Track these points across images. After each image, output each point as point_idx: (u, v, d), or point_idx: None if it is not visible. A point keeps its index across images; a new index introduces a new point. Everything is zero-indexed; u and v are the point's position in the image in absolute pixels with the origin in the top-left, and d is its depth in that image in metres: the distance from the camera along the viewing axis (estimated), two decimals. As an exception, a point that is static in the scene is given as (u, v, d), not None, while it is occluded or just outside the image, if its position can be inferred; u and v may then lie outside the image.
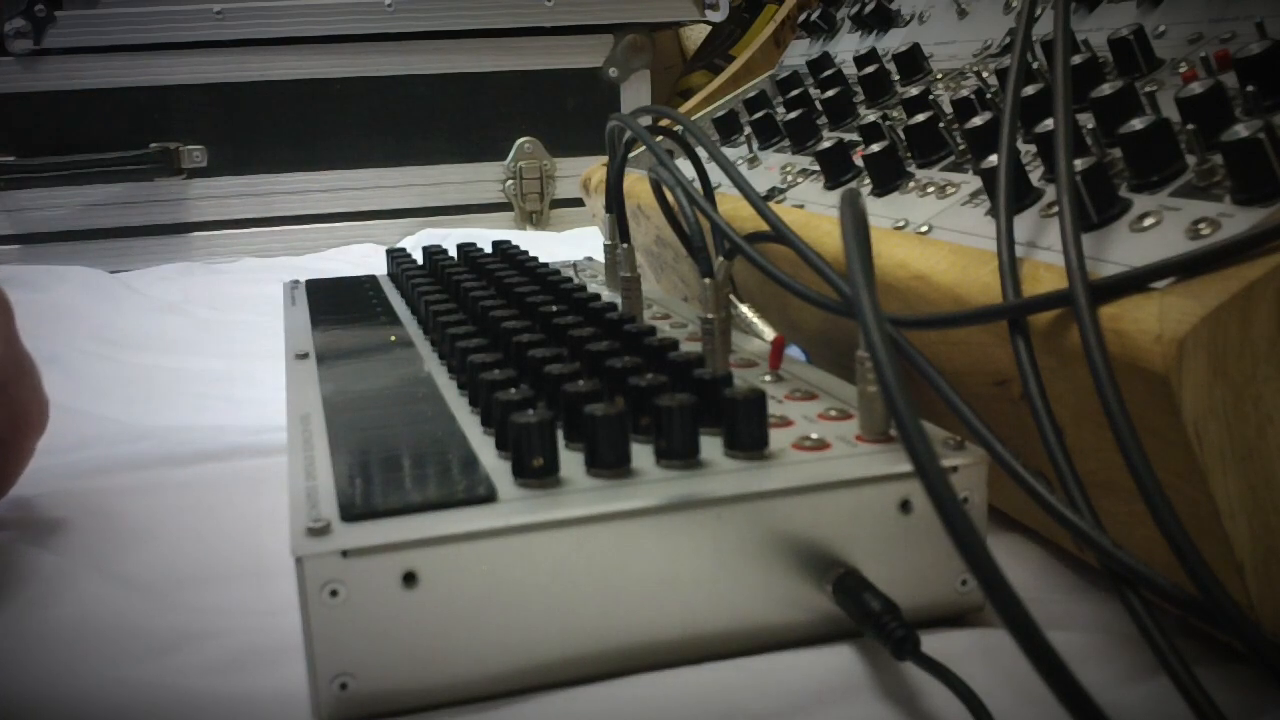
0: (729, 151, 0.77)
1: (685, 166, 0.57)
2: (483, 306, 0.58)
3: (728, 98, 0.95)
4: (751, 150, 0.75)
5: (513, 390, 0.43)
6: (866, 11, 0.82)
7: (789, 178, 0.66)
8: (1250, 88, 0.40)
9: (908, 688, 0.38)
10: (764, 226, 0.52)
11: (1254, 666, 0.37)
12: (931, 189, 0.53)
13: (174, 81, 1.37)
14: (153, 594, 0.49)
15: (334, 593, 0.36)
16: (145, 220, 1.38)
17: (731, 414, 0.42)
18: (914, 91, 0.62)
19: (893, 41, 0.79)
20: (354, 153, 1.44)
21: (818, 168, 0.63)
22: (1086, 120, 0.47)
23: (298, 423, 0.48)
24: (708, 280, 0.52)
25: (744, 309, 0.57)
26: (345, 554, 0.36)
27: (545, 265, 0.71)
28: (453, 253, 0.81)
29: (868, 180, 0.57)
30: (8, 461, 0.53)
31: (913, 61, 0.71)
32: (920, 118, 0.57)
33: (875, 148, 0.57)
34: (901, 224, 0.52)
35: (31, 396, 0.52)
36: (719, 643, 0.40)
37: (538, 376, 0.46)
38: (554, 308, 0.57)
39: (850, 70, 0.77)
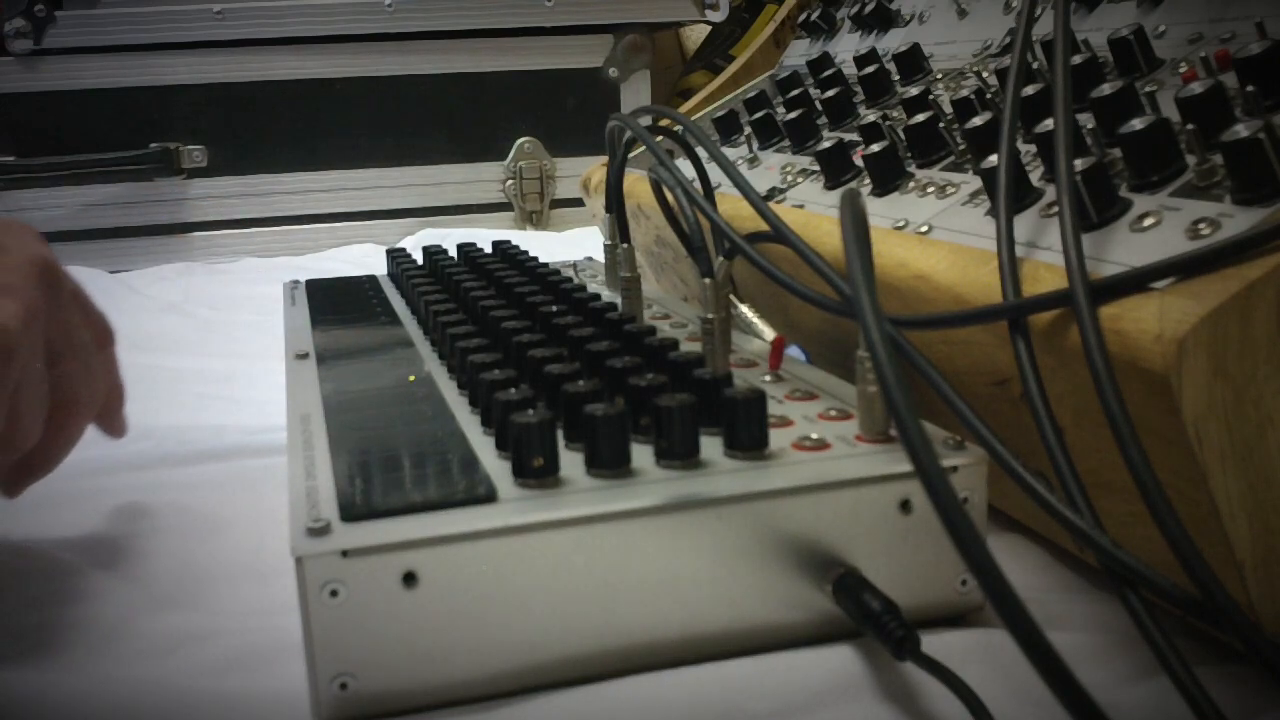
0: (729, 151, 0.77)
1: (685, 166, 0.57)
2: (483, 306, 0.58)
3: (728, 98, 0.95)
4: (751, 150, 0.75)
5: (513, 390, 0.43)
6: (866, 11, 0.82)
7: (789, 178, 0.66)
8: (1250, 88, 0.40)
9: (908, 688, 0.38)
10: (764, 226, 0.52)
11: (1254, 666, 0.37)
12: (931, 189, 0.53)
13: (174, 81, 1.37)
14: (153, 594, 0.49)
15: (334, 593, 0.36)
16: (145, 220, 1.38)
17: (731, 414, 0.42)
18: (914, 91, 0.62)
19: (893, 41, 0.79)
20: (354, 153, 1.44)
21: (818, 168, 0.63)
22: (1086, 120, 0.47)
23: (298, 423, 0.48)
24: (708, 280, 0.52)
25: (744, 309, 0.57)
26: (345, 554, 0.36)
27: (545, 265, 0.71)
28: (453, 253, 0.81)
29: (868, 180, 0.57)
30: (52, 442, 0.50)
31: (913, 61, 0.71)
32: (920, 118, 0.57)
33: (875, 148, 0.57)
34: (901, 224, 0.52)
35: (84, 376, 0.50)
36: (719, 643, 0.40)
37: (538, 376, 0.46)
38: (554, 308, 0.57)
39: (850, 70, 0.77)
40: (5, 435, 0.45)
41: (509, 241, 0.80)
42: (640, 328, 0.52)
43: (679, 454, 0.41)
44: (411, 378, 0.50)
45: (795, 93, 0.75)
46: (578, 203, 1.40)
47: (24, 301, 0.45)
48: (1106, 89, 0.45)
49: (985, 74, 0.62)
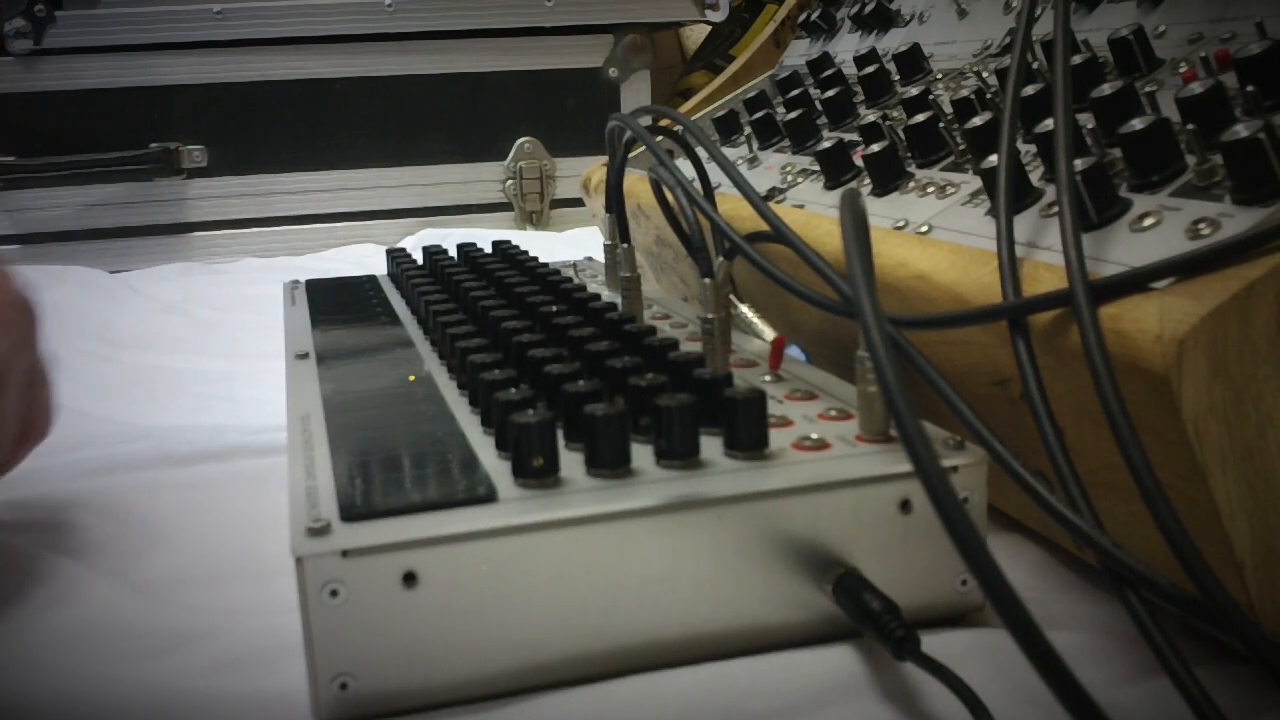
0: (729, 151, 0.77)
1: (685, 166, 0.57)
2: (483, 306, 0.58)
3: (728, 98, 0.95)
4: (751, 150, 0.75)
5: (513, 390, 0.43)
6: (866, 11, 0.82)
7: (789, 178, 0.66)
8: (1250, 88, 0.40)
9: (908, 688, 0.38)
10: (764, 226, 0.52)
11: (1254, 666, 0.37)
12: (931, 189, 0.53)
13: (174, 81, 1.37)
14: (153, 594, 0.49)
15: (334, 593, 0.36)
16: (145, 220, 1.38)
17: (731, 414, 0.42)
18: (914, 91, 0.62)
19: (893, 41, 0.79)
20: (354, 153, 1.44)
21: (818, 168, 0.63)
22: (1086, 120, 0.47)
23: (298, 423, 0.48)
24: (708, 280, 0.52)
25: (744, 309, 0.57)
26: (345, 554, 0.36)
27: (545, 265, 0.71)
28: (453, 253, 0.81)
29: (868, 180, 0.57)
30: (7, 461, 0.53)
31: (913, 61, 0.71)
32: (920, 118, 0.57)
33: (875, 148, 0.57)
34: (901, 224, 0.52)
35: (38, 407, 0.54)
36: (719, 643, 0.40)
37: (538, 376, 0.46)
38: (554, 308, 0.57)
39: (850, 70, 0.77)
40: None
41: (509, 241, 0.80)
42: (640, 328, 0.52)
43: (679, 454, 0.41)
44: (411, 377, 0.51)
45: (795, 93, 0.75)
46: (578, 203, 1.40)
47: (14, 334, 0.50)
48: (1106, 89, 0.45)
49: (985, 74, 0.62)
